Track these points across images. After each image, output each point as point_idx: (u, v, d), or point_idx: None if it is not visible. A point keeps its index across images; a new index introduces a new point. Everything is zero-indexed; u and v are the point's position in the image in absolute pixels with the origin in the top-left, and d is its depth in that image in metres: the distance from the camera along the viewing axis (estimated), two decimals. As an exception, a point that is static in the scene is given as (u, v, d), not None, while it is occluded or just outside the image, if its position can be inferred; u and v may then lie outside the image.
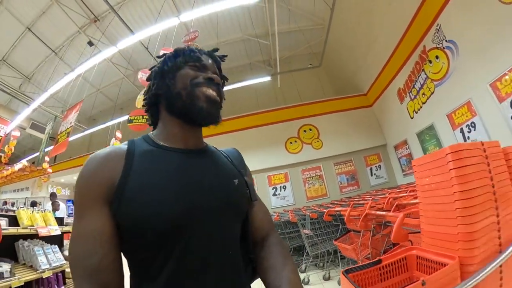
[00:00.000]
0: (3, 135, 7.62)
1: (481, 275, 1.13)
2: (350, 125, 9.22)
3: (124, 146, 0.78)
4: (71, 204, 11.50)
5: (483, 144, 1.37)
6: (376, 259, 1.47)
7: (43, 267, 2.54)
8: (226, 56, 0.99)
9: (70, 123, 7.15)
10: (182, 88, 0.82)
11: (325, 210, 4.34)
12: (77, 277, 0.64)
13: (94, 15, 9.14)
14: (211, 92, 0.83)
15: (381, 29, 7.47)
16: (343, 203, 5.59)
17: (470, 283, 1.11)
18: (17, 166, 10.56)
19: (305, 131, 9.27)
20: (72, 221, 0.73)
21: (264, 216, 0.97)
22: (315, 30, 10.98)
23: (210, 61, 0.91)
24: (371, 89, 9.20)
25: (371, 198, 4.30)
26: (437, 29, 5.69)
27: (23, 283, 2.22)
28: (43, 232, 2.81)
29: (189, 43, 6.15)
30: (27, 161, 11.70)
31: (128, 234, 0.69)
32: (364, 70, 9.27)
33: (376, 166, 8.90)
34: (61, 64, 10.44)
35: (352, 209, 3.30)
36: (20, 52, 9.85)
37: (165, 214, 0.68)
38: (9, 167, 10.52)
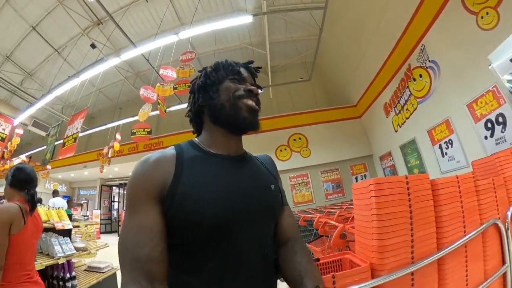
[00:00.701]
0: (7, 133, 7.57)
1: (388, 278, 1.40)
2: (338, 135, 9.35)
3: (172, 150, 0.83)
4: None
5: (406, 178, 1.61)
6: (315, 257, 1.65)
7: (58, 255, 2.95)
8: (260, 67, 1.03)
9: (76, 128, 7.20)
10: (226, 100, 0.87)
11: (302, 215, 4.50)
12: (127, 266, 0.67)
13: (97, 18, 9.18)
14: (251, 103, 0.88)
15: (370, 46, 7.59)
16: (323, 210, 5.71)
17: (374, 281, 1.39)
18: (16, 160, 10.55)
19: (294, 139, 9.43)
20: (124, 217, 0.77)
21: (291, 221, 0.99)
22: (311, 41, 11.05)
23: (247, 73, 0.95)
24: (360, 101, 9.32)
25: (345, 208, 4.42)
26: (421, 49, 5.81)
27: (43, 267, 2.67)
28: (58, 226, 3.20)
29: (186, 63, 6.29)
30: (26, 156, 11.68)
31: (179, 227, 0.73)
32: (354, 82, 9.39)
33: (361, 175, 9.03)
34: (63, 64, 10.46)
35: (320, 216, 3.45)
36: (23, 49, 9.85)
37: (215, 211, 0.73)
38: (8, 161, 10.50)
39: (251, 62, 1.00)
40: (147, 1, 8.78)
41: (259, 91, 0.96)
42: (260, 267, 0.81)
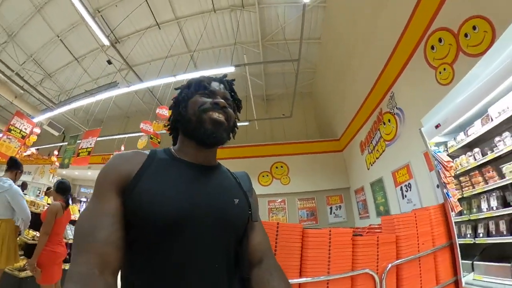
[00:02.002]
0: (28, 132, 8.00)
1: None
2: (319, 166, 9.42)
3: (146, 151, 0.85)
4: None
5: (330, 231, 2.21)
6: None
7: (70, 237, 4.26)
8: (234, 80, 1.03)
9: (90, 144, 8.26)
10: (192, 115, 0.86)
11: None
12: (82, 247, 0.64)
13: (115, 37, 9.65)
14: (216, 116, 0.85)
15: (354, 85, 7.79)
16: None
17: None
18: (26, 152, 10.86)
19: (277, 167, 9.59)
20: (88, 202, 0.83)
21: (262, 239, 0.95)
22: (305, 73, 11.26)
23: (220, 86, 0.94)
24: (343, 136, 9.39)
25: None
26: (391, 96, 5.93)
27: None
28: (72, 217, 3.92)
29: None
30: (35, 149, 11.99)
31: (131, 220, 0.72)
32: (339, 118, 9.52)
33: (336, 206, 8.98)
34: (82, 73, 11.00)
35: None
36: (46, 53, 10.38)
37: (164, 210, 0.71)
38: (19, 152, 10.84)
39: (225, 76, 1.00)
40: (160, 28, 9.22)
41: (230, 104, 0.94)
42: (209, 280, 0.75)
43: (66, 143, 10.36)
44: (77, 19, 9.01)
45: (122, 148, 9.45)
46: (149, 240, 0.72)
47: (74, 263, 0.62)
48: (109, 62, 9.73)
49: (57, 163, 10.95)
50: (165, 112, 7.03)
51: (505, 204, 2.51)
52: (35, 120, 8.89)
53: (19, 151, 10.51)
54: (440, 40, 4.39)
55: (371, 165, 7.19)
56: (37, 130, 9.24)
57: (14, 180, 3.19)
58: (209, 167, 0.90)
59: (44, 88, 11.18)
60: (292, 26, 8.81)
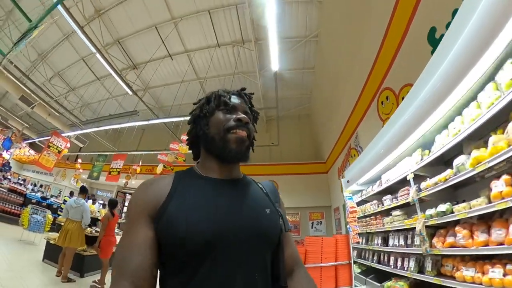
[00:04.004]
0: (62, 148, 9.73)
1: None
2: (306, 185, 10.52)
3: (171, 175, 0.86)
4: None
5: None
6: None
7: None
8: (253, 93, 1.02)
9: (119, 165, 10.96)
10: (216, 133, 0.86)
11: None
12: (117, 275, 0.68)
13: (133, 63, 11.06)
14: (240, 134, 0.85)
15: (336, 114, 8.72)
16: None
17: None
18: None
19: (268, 186, 10.61)
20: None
21: (293, 249, 0.95)
22: (302, 98, 12.36)
23: (239, 100, 0.93)
24: (328, 159, 10.38)
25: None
26: (356, 135, 6.91)
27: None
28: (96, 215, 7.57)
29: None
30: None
31: (164, 245, 0.74)
32: (326, 142, 10.51)
33: (317, 221, 10.08)
34: (103, 89, 12.55)
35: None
36: (71, 71, 12.08)
37: (196, 234, 0.72)
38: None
39: (244, 89, 0.99)
40: (172, 59, 10.57)
41: (250, 119, 0.93)
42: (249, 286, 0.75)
43: (87, 153, 13.14)
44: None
45: (138, 168, 11.57)
46: (183, 262, 0.72)
47: None
48: (129, 86, 11.00)
49: (80, 170, 12.73)
50: (177, 146, 9.46)
51: (386, 243, 3.54)
52: (65, 134, 10.39)
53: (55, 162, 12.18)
54: (387, 98, 5.24)
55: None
56: (68, 144, 10.76)
57: (85, 199, 5.61)
58: (236, 180, 0.91)
59: (69, 102, 12.82)
60: (288, 57, 9.82)
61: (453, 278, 2.16)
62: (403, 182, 2.88)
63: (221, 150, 0.86)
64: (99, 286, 5.03)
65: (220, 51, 10.20)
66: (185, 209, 0.76)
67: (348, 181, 4.37)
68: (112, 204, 5.51)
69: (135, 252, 0.70)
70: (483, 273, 1.89)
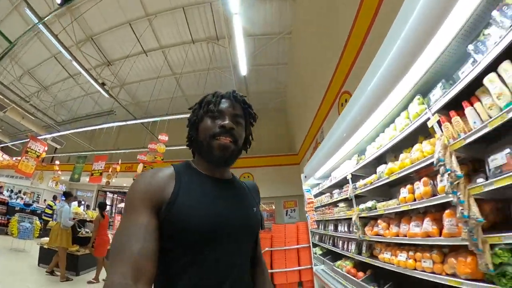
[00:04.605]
0: (40, 152, 9.70)
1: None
2: (280, 176, 11.05)
3: (170, 168, 0.90)
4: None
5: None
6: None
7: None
8: (245, 96, 1.04)
9: (101, 166, 11.18)
10: (203, 139, 0.93)
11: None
12: (117, 259, 0.67)
13: (107, 60, 10.96)
14: (224, 141, 0.90)
15: (306, 112, 9.10)
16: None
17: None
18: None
19: (244, 177, 11.18)
20: (121, 219, 0.83)
21: (260, 244, 1.13)
22: (278, 92, 12.67)
23: (227, 104, 0.96)
24: (300, 151, 10.92)
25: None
26: (322, 131, 7.42)
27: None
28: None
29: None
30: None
31: (173, 232, 0.78)
32: (298, 135, 11.00)
33: (291, 209, 10.72)
34: (78, 87, 12.39)
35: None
36: (43, 69, 11.71)
37: (205, 221, 0.81)
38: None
39: (234, 91, 1.01)
40: (147, 56, 10.61)
41: (239, 122, 0.98)
42: (241, 277, 0.89)
43: (63, 154, 13.26)
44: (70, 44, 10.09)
45: (118, 166, 11.55)
46: (187, 247, 0.80)
47: (110, 274, 0.65)
48: (103, 84, 10.73)
49: (59, 172, 12.86)
50: (155, 146, 9.69)
51: (336, 229, 4.10)
52: (42, 137, 10.27)
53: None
54: (346, 100, 5.49)
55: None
56: (45, 148, 10.57)
57: (69, 203, 6.10)
58: (229, 180, 1.00)
59: (42, 101, 12.61)
60: (262, 53, 10.15)
61: (378, 259, 2.71)
62: (346, 180, 3.41)
63: (207, 155, 0.93)
64: (95, 281, 5.59)
65: (195, 47, 10.32)
66: (193, 200, 0.83)
67: (305, 176, 4.95)
68: (102, 207, 6.06)
69: (137, 237, 0.71)
70: (396, 256, 2.41)
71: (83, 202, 13.36)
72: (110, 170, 11.42)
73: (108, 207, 16.69)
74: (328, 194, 4.35)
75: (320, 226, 4.82)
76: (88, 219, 8.08)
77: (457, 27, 1.58)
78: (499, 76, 1.38)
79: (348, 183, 3.32)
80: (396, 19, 1.98)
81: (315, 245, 5.31)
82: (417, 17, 1.76)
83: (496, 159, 1.45)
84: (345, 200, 3.61)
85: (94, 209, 12.32)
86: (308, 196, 5.13)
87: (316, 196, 5.15)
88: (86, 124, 10.74)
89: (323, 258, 4.61)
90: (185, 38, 9.99)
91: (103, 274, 5.81)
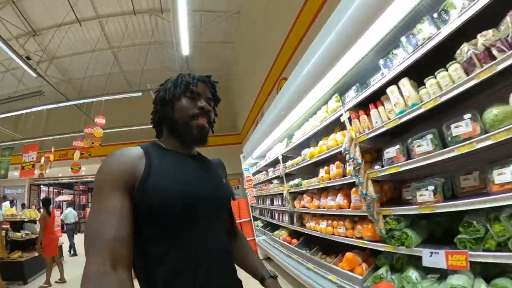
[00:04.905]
0: None
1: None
2: (224, 156, 10.55)
3: (138, 148, 0.85)
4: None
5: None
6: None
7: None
8: (217, 82, 1.05)
9: (32, 158, 9.73)
10: (180, 118, 0.91)
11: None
12: (92, 247, 0.64)
13: (32, 28, 9.26)
14: (202, 122, 0.92)
15: (248, 92, 9.39)
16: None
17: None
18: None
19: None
20: (91, 204, 0.76)
21: (234, 217, 1.18)
22: (221, 69, 12.30)
23: (203, 87, 0.96)
24: (243, 130, 11.21)
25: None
26: (262, 113, 7.68)
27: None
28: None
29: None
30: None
31: (152, 210, 0.76)
32: (241, 114, 11.21)
33: (235, 187, 11.19)
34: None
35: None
36: None
37: (183, 195, 0.80)
38: None
39: (210, 76, 1.02)
40: (81, 25, 9.33)
41: (211, 105, 0.99)
42: (219, 251, 0.89)
43: None
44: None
45: (51, 156, 10.13)
46: (164, 227, 0.78)
47: (87, 263, 0.62)
48: (28, 58, 9.05)
49: None
50: (91, 130, 8.68)
51: (272, 203, 4.51)
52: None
53: None
54: None
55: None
56: None
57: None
58: (195, 156, 1.00)
59: None
60: (208, 30, 9.72)
61: (306, 227, 3.15)
62: (278, 160, 3.80)
63: (184, 134, 0.92)
64: (46, 285, 5.08)
65: (136, 19, 9.45)
66: (167, 177, 0.80)
67: (244, 156, 5.30)
68: (46, 203, 5.41)
69: (111, 223, 0.67)
70: (319, 224, 2.84)
71: (15, 201, 11.70)
72: (42, 160, 10.23)
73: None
74: (264, 172, 4.73)
75: (259, 201, 5.25)
76: (26, 220, 6.72)
77: (374, 42, 1.86)
78: (399, 88, 1.73)
79: (280, 163, 3.69)
80: (326, 24, 2.15)
81: (256, 219, 5.79)
82: (343, 24, 1.92)
83: (389, 152, 1.83)
84: (278, 177, 3.98)
85: (30, 207, 11.03)
86: (246, 174, 5.50)
87: (254, 174, 5.56)
88: (9, 109, 8.95)
89: (263, 230, 5.12)
90: (126, 8, 8.97)
91: (55, 276, 5.29)
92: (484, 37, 1.28)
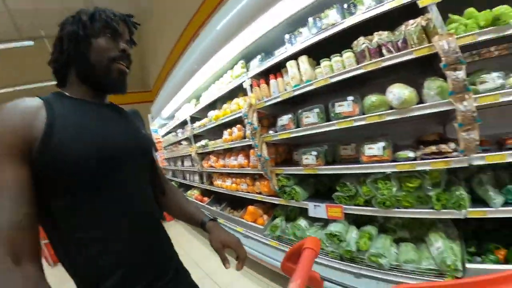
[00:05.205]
0: None
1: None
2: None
3: (34, 99, 0.65)
4: None
5: None
6: None
7: None
8: (139, 24, 0.88)
9: None
10: (97, 61, 0.73)
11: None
12: None
13: None
14: (123, 67, 0.77)
15: (161, 45, 8.49)
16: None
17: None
18: None
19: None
20: None
21: (160, 167, 1.04)
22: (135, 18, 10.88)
23: (123, 27, 0.80)
24: (154, 87, 10.40)
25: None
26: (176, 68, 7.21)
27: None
28: None
29: None
30: None
31: (53, 175, 0.60)
32: (153, 70, 10.28)
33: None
34: None
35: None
36: None
37: (92, 150, 0.65)
38: None
39: (131, 16, 0.85)
40: None
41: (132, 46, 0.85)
42: (146, 206, 0.80)
43: None
44: None
45: None
46: (82, 187, 0.64)
47: None
48: None
49: None
50: None
51: (183, 164, 4.51)
52: None
53: None
54: None
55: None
56: None
57: None
58: (109, 105, 0.84)
59: None
60: None
61: (215, 186, 3.30)
62: (186, 121, 3.76)
63: (102, 80, 0.75)
64: None
65: None
66: (77, 130, 0.65)
67: (152, 117, 5.04)
68: None
69: (4, 204, 0.53)
70: (225, 182, 2.99)
71: None
72: None
73: None
74: (174, 133, 4.62)
75: (171, 163, 5.15)
76: None
77: (284, 16, 1.91)
78: (298, 64, 1.86)
79: (188, 124, 3.68)
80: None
81: (170, 181, 5.64)
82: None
83: (282, 120, 2.02)
84: (187, 139, 3.97)
85: None
86: (156, 136, 5.29)
87: (164, 135, 5.37)
88: None
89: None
90: None
91: None
92: (379, 36, 1.47)
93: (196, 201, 3.92)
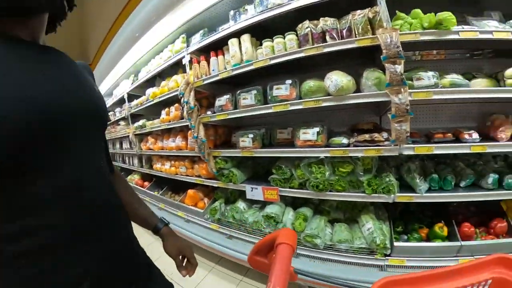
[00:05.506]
0: None
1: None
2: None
3: None
4: None
5: None
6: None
7: None
8: None
9: None
10: None
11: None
12: None
13: None
14: None
15: (104, 11, 7.69)
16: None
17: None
18: None
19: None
20: None
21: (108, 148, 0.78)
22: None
23: None
24: (94, 60, 9.48)
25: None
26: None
27: None
28: None
29: None
30: None
31: None
32: (93, 41, 9.34)
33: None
34: None
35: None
36: None
37: (25, 110, 0.42)
38: None
39: None
40: None
41: None
42: (100, 184, 0.59)
43: None
44: None
45: None
46: (9, 161, 0.42)
47: None
48: None
49: None
50: None
51: (122, 147, 4.17)
52: None
53: None
54: None
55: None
56: None
57: None
58: (44, 46, 0.54)
59: None
60: None
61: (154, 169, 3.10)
62: (124, 99, 3.43)
63: None
64: None
65: None
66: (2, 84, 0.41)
67: None
68: None
69: None
70: (164, 165, 2.81)
71: None
72: None
73: None
74: (112, 112, 4.21)
75: (109, 145, 4.71)
76: None
77: None
78: (240, 42, 1.76)
79: (125, 102, 3.35)
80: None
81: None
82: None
83: (221, 100, 1.91)
84: (125, 118, 3.65)
85: None
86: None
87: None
88: None
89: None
90: None
91: None
92: (324, 22, 1.43)
93: (137, 186, 3.64)
